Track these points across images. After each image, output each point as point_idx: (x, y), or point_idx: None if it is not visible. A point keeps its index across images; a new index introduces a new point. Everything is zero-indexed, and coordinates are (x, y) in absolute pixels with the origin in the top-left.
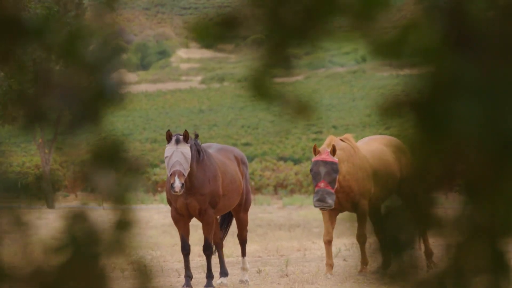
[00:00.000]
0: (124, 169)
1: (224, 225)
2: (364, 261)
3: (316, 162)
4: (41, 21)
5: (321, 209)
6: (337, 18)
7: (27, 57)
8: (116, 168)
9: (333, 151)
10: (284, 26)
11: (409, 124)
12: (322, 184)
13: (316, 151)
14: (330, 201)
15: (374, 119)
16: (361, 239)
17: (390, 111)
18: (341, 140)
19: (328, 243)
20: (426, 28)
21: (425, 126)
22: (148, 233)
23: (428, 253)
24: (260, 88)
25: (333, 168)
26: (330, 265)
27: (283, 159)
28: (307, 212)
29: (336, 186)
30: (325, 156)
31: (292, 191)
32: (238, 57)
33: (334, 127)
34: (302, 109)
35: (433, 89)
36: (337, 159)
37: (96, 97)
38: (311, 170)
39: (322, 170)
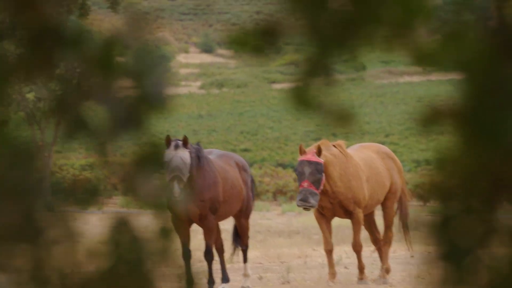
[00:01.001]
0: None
1: (237, 237)
2: (361, 268)
3: (301, 162)
4: (79, 30)
5: (304, 209)
6: (376, 28)
7: (67, 65)
8: (157, 172)
9: (319, 152)
10: (323, 36)
11: (453, 134)
12: (305, 184)
13: (301, 151)
14: (313, 201)
15: (374, 126)
16: (357, 247)
17: (431, 121)
18: (334, 146)
19: (329, 252)
20: (471, 37)
21: (472, 136)
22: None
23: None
24: (301, 97)
25: (317, 168)
26: (332, 274)
27: (282, 165)
28: (306, 218)
29: (321, 187)
30: (310, 156)
31: (291, 198)
32: (237, 63)
33: (334, 134)
34: (343, 118)
35: (479, 99)
36: (322, 160)
37: (139, 102)
38: (295, 170)
39: (306, 170)
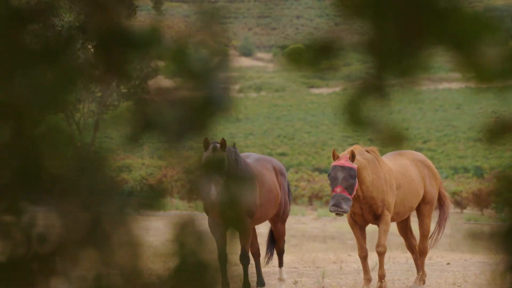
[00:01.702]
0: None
1: (272, 245)
2: (381, 275)
3: (334, 167)
4: (148, 33)
5: (336, 214)
6: (436, 47)
7: (135, 67)
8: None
9: (352, 157)
10: (380, 54)
11: None
12: (338, 189)
13: (335, 156)
14: (345, 206)
15: (412, 133)
16: (380, 248)
17: (498, 136)
18: (367, 151)
19: (364, 258)
20: None
21: None
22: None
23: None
24: (354, 115)
25: (350, 173)
26: (368, 280)
27: (319, 170)
28: (341, 224)
29: (354, 193)
30: (344, 161)
31: (327, 203)
32: (276, 67)
33: (370, 140)
34: (393, 138)
35: None
36: (356, 165)
37: (204, 105)
38: (328, 175)
39: (340, 175)
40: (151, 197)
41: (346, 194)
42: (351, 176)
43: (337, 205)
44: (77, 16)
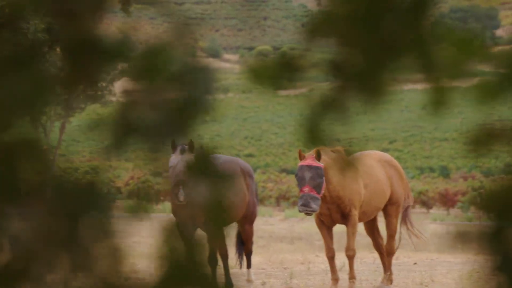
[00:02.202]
0: (217, 177)
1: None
2: (351, 276)
3: (301, 167)
4: (120, 42)
5: (306, 213)
6: (403, 65)
7: (109, 75)
8: (209, 176)
9: (318, 156)
10: (344, 71)
11: (508, 154)
12: (306, 189)
13: (301, 156)
14: (314, 205)
15: (378, 133)
16: (350, 252)
17: (483, 143)
18: (332, 151)
19: (331, 258)
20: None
21: None
22: (151, 242)
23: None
24: (313, 134)
25: (317, 173)
26: (335, 280)
27: (286, 171)
28: (309, 224)
29: (322, 192)
30: (310, 161)
31: (294, 203)
32: (243, 68)
33: (337, 140)
34: (345, 166)
35: None
36: (322, 164)
37: (184, 107)
38: (296, 175)
39: (307, 175)
40: (142, 201)
41: (314, 194)
42: (319, 175)
43: (305, 204)
44: (42, 18)
